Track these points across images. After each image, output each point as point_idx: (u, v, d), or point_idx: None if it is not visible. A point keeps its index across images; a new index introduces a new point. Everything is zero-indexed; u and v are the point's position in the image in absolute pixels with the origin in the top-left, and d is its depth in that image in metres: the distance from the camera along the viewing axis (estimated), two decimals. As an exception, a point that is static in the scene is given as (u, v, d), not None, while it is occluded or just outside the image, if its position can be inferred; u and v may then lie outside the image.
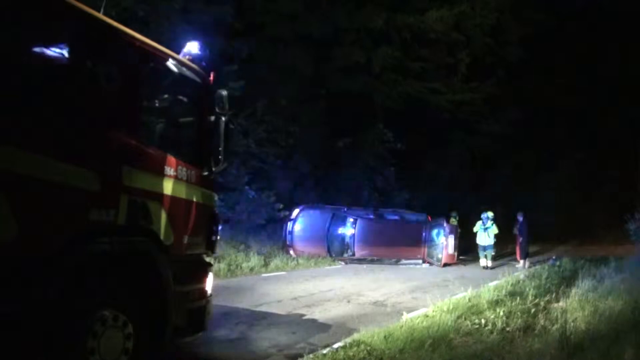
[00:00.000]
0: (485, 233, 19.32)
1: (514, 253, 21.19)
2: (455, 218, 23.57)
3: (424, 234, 19.78)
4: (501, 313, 8.47)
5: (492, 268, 18.70)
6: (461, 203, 28.19)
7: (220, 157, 5.94)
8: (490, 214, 22.22)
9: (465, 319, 8.22)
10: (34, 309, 3.91)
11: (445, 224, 20.03)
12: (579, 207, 33.10)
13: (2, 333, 3.75)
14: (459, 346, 6.95)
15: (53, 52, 4.61)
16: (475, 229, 19.75)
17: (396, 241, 20.14)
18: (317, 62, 26.08)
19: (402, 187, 29.71)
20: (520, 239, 19.83)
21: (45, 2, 4.38)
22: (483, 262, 19.33)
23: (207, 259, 6.37)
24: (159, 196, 5.18)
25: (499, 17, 30.19)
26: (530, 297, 9.92)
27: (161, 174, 5.23)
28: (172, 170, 5.36)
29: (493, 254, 21.71)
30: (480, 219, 19.81)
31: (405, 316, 8.53)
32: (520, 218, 20.08)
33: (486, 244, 19.34)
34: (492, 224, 19.43)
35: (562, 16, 31.61)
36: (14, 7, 4.07)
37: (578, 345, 6.68)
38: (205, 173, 5.91)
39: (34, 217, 4.00)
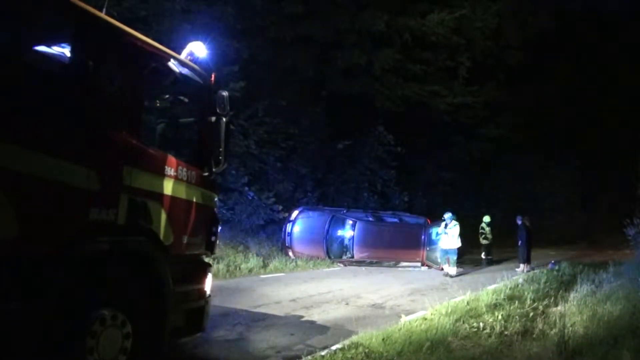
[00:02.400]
0: (447, 235, 17.49)
1: (515, 257, 21.20)
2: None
3: (423, 237, 19.75)
4: (500, 317, 8.47)
5: (455, 275, 16.93)
6: (460, 206, 28.19)
7: (220, 157, 5.94)
8: (487, 218, 22.26)
9: (463, 322, 8.22)
10: (33, 308, 3.91)
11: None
12: (578, 212, 33.15)
13: (1, 331, 3.75)
14: (457, 349, 6.96)
15: (55, 51, 4.62)
16: (438, 231, 18.29)
17: (395, 244, 20.13)
18: (318, 64, 26.07)
19: (401, 189, 29.71)
20: (520, 243, 19.77)
21: (47, 2, 4.39)
22: (446, 267, 17.48)
23: (206, 260, 6.37)
24: (159, 196, 5.18)
25: (499, 21, 30.23)
26: (528, 301, 9.95)
27: (161, 174, 5.23)
28: (173, 170, 5.36)
29: (488, 256, 21.71)
30: (443, 220, 18.04)
31: (404, 319, 8.55)
32: (519, 222, 20.05)
33: (448, 248, 17.49)
34: (455, 225, 17.55)
35: (563, 20, 31.66)
36: (15, 6, 4.07)
37: (576, 349, 6.70)
38: (206, 173, 5.91)
39: (34, 215, 4.00)
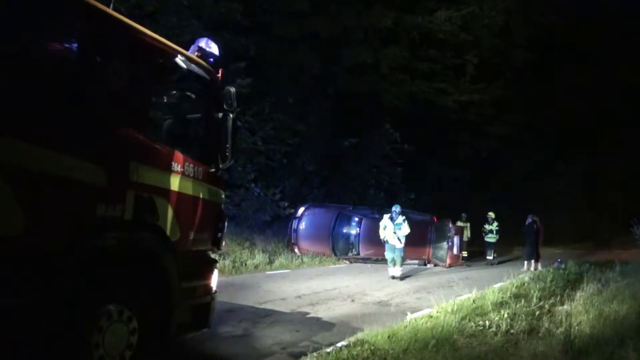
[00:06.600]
0: (399, 231, 15.19)
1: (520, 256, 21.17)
2: (463, 221, 23.54)
3: (429, 234, 19.74)
4: (505, 315, 8.44)
5: (401, 278, 15.15)
6: (466, 204, 28.16)
7: (227, 154, 5.93)
8: (492, 214, 22.21)
9: (469, 320, 8.19)
10: (40, 304, 3.92)
11: (450, 225, 19.98)
12: (585, 211, 33.00)
13: (8, 327, 3.77)
14: (462, 347, 6.94)
15: (62, 47, 4.62)
16: (382, 224, 15.60)
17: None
18: (325, 61, 26.06)
19: (408, 187, 29.69)
20: (527, 241, 19.72)
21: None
22: (393, 270, 15.20)
23: (213, 256, 6.37)
24: (166, 192, 5.18)
25: (507, 18, 30.15)
26: (534, 300, 9.91)
27: (168, 170, 5.23)
28: (179, 166, 5.36)
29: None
30: (390, 214, 15.66)
31: (409, 316, 8.53)
32: (530, 220, 19.98)
33: (398, 246, 15.22)
34: (405, 221, 15.31)
35: (570, 18, 31.55)
36: (24, 2, 4.09)
37: (582, 349, 6.67)
38: (212, 170, 5.92)
39: (41, 211, 4.00)
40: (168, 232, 5.19)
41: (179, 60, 5.56)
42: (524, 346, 7.10)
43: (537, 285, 12.01)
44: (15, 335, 3.81)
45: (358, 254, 20.52)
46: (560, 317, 8.66)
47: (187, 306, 5.50)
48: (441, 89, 30.68)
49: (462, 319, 8.22)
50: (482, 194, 33.64)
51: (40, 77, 4.23)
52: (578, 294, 10.70)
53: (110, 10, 4.77)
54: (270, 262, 16.34)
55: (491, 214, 22.40)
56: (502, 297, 10.20)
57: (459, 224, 22.72)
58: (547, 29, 31.64)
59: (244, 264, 15.08)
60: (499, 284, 12.74)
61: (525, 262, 19.43)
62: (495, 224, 22.10)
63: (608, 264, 16.48)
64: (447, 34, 28.84)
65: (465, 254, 21.96)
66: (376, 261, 19.56)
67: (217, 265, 6.36)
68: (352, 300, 11.06)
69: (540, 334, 7.70)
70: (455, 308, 8.96)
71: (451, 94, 30.93)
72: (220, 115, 5.90)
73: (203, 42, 6.10)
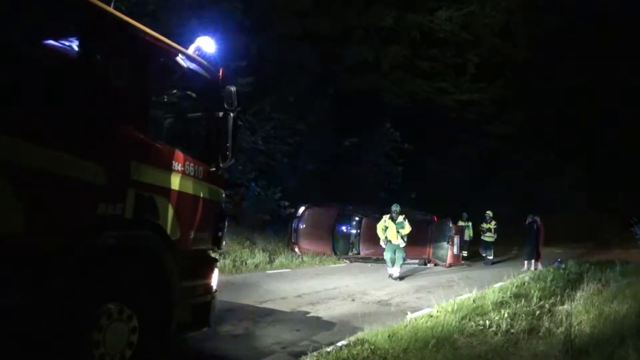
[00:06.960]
0: (401, 230, 14.92)
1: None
2: (464, 220, 23.51)
3: (429, 233, 19.73)
4: (506, 315, 8.44)
5: (401, 278, 15.09)
6: (466, 204, 28.15)
7: (228, 153, 5.92)
8: (490, 213, 22.16)
9: (469, 319, 8.19)
10: (40, 302, 3.91)
11: (451, 224, 19.97)
12: (584, 211, 33.01)
13: (8, 327, 3.76)
14: (463, 347, 6.93)
15: (62, 45, 4.61)
16: (381, 225, 15.32)
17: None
18: (326, 60, 26.06)
19: (408, 186, 29.68)
20: (527, 241, 19.68)
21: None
22: (393, 270, 15.03)
23: (213, 255, 6.37)
24: (167, 191, 5.18)
25: (508, 18, 30.15)
26: (535, 300, 9.91)
27: (169, 169, 5.23)
28: (180, 165, 5.36)
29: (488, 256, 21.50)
30: (390, 213, 15.25)
31: (410, 316, 8.51)
32: (529, 220, 19.94)
33: (400, 245, 14.99)
34: (404, 219, 15.02)
35: (571, 18, 31.53)
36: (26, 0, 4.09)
37: (582, 348, 6.66)
38: (213, 169, 5.91)
39: (42, 210, 4.00)
40: (168, 231, 5.18)
41: (180, 59, 5.55)
42: (524, 346, 7.10)
43: (538, 285, 12.00)
44: (15, 335, 3.81)
45: (358, 253, 20.54)
46: (560, 316, 8.66)
47: (187, 305, 5.49)
48: (442, 88, 30.72)
49: (462, 318, 8.22)
50: (482, 194, 33.62)
51: (41, 76, 4.23)
52: (578, 294, 10.70)
53: (110, 9, 4.76)
54: (271, 262, 16.35)
55: (489, 213, 22.34)
56: (503, 297, 10.19)
57: (460, 223, 22.70)
58: (547, 29, 31.61)
59: (244, 263, 15.09)
60: (499, 284, 12.74)
61: (526, 262, 19.40)
62: (493, 222, 22.04)
63: (608, 264, 16.47)
64: (448, 33, 28.88)
65: (465, 253, 21.91)
66: (376, 261, 19.55)
67: (218, 264, 6.35)
68: (353, 300, 11.06)
69: (540, 334, 7.70)
70: (456, 307, 8.95)
71: (452, 93, 30.98)
72: (221, 114, 5.89)
73: (204, 41, 6.09)
